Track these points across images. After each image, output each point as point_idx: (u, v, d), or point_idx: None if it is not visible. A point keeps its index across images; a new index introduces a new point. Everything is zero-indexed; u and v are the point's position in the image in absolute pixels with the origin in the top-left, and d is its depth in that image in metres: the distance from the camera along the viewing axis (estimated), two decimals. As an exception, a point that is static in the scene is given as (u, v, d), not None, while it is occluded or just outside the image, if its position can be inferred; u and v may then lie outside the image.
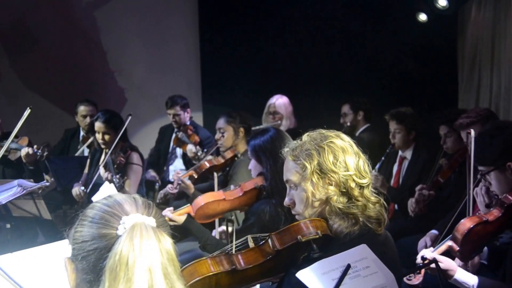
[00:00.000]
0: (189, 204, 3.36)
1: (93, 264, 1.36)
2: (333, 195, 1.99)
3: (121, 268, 1.28)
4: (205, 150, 5.14)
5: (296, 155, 2.05)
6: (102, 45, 7.08)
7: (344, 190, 1.99)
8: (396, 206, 4.77)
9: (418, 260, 2.34)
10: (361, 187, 2.01)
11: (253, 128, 5.46)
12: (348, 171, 1.99)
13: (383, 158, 4.85)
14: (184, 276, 1.81)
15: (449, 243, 2.39)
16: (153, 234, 1.34)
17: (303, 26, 6.59)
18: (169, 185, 4.25)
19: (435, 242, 3.72)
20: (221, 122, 4.51)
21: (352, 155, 2.02)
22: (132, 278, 1.28)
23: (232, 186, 3.41)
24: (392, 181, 4.85)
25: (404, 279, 2.31)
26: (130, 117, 4.41)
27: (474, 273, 2.50)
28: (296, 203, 2.08)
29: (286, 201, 2.13)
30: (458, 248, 2.35)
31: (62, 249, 1.82)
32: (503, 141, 2.52)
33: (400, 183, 4.78)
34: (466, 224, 2.37)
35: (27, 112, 4.25)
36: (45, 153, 4.60)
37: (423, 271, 2.39)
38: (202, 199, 3.26)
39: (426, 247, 3.70)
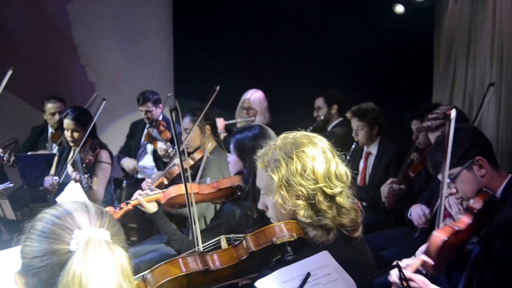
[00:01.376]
0: (161, 191, 3.27)
1: (45, 281, 1.30)
2: (301, 209, 1.93)
3: (74, 287, 1.23)
4: (175, 147, 5.04)
5: (265, 164, 2.00)
6: (73, 39, 6.96)
7: (312, 202, 1.93)
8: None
9: (393, 278, 2.22)
10: (331, 197, 1.95)
11: (225, 123, 5.42)
12: (317, 183, 1.92)
13: (348, 157, 4.80)
14: (155, 276, 1.84)
15: (423, 257, 2.32)
16: (107, 250, 1.28)
17: (278, 19, 6.54)
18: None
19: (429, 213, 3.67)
20: (186, 122, 4.39)
21: (323, 163, 1.95)
22: None
23: (208, 179, 3.35)
24: (358, 178, 4.83)
25: None
26: (104, 102, 4.30)
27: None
28: (268, 208, 2.06)
29: (260, 205, 2.11)
30: (433, 263, 2.30)
31: (13, 258, 1.73)
32: (466, 137, 2.50)
33: (367, 179, 4.76)
34: (439, 237, 2.32)
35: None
36: (12, 158, 4.55)
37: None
38: (175, 190, 3.19)
39: (424, 216, 3.67)
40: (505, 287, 2.28)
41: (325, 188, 1.93)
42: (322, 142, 2.01)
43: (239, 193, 3.13)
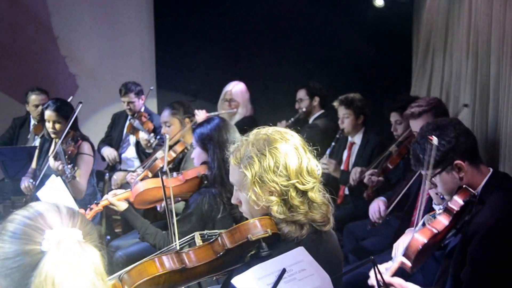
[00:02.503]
0: (129, 189, 3.33)
1: (18, 282, 1.31)
2: (274, 205, 1.96)
3: (47, 287, 1.25)
4: (158, 137, 5.06)
5: (238, 160, 2.02)
6: (53, 30, 6.88)
7: (285, 198, 1.97)
8: (346, 190, 4.83)
9: (372, 282, 2.27)
10: (303, 193, 1.98)
11: (207, 115, 5.43)
12: (289, 179, 1.95)
13: (333, 144, 4.92)
14: (132, 276, 1.83)
15: (402, 260, 2.34)
16: (79, 250, 1.30)
17: (259, 11, 6.53)
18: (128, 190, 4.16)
19: (387, 208, 3.77)
20: (165, 116, 4.42)
21: (296, 159, 1.97)
22: None
23: (174, 173, 3.39)
24: (342, 166, 4.92)
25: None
26: (80, 105, 4.31)
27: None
28: (242, 203, 2.08)
29: (233, 200, 2.13)
30: (410, 265, 2.32)
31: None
32: (447, 141, 2.45)
33: (350, 168, 4.83)
34: (419, 240, 2.32)
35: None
36: None
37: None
38: (142, 185, 3.24)
39: (379, 212, 3.75)
40: (478, 286, 2.32)
41: (297, 184, 1.96)
42: (294, 138, 2.03)
43: (205, 182, 3.19)
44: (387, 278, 2.24)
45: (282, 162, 1.95)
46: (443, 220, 2.40)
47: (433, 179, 2.51)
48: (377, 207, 3.77)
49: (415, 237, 2.34)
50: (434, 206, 2.71)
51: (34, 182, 4.37)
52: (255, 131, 2.08)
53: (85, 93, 6.49)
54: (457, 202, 2.42)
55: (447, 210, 2.43)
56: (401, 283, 2.25)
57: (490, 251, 2.31)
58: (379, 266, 2.25)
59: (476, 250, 2.33)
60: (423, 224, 2.53)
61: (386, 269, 2.33)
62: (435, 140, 2.40)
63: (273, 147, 1.97)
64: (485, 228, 2.32)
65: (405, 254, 2.34)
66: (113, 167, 5.59)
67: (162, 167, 3.58)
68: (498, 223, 2.33)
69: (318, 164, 2.05)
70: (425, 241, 2.31)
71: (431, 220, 2.46)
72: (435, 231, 2.36)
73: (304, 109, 5.67)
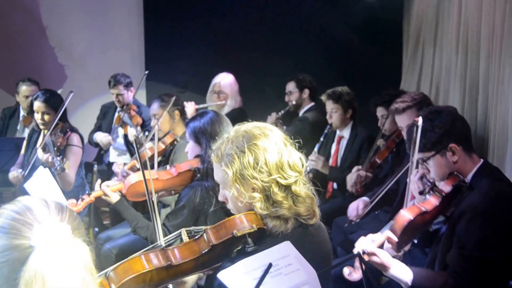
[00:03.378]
0: (122, 180, 3.32)
1: (7, 276, 1.29)
2: (257, 202, 1.96)
3: (36, 283, 1.24)
4: (146, 133, 5.04)
5: (219, 158, 2.01)
6: (42, 20, 6.82)
7: (268, 194, 1.96)
8: (335, 185, 4.84)
9: (357, 250, 2.29)
10: (286, 188, 1.97)
11: (196, 107, 5.43)
12: (270, 175, 1.94)
13: (322, 139, 4.90)
14: (118, 274, 1.82)
15: (388, 234, 2.37)
16: (68, 244, 1.29)
17: (249, 4, 6.52)
18: (115, 178, 4.15)
19: (366, 207, 3.84)
20: (155, 108, 4.42)
21: (276, 154, 1.95)
22: None
23: (167, 166, 3.38)
24: (330, 161, 4.91)
25: (345, 274, 2.24)
26: (72, 94, 4.26)
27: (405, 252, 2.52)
28: (228, 201, 2.08)
29: (220, 197, 2.12)
30: (396, 240, 2.34)
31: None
32: (443, 123, 2.50)
33: (339, 162, 4.84)
34: (405, 215, 2.36)
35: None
36: None
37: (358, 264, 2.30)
38: (134, 177, 3.22)
39: (357, 210, 3.82)
40: (462, 269, 2.35)
41: (279, 179, 1.95)
42: (273, 133, 2.02)
43: (198, 176, 3.18)
44: (372, 248, 2.28)
45: (262, 158, 1.94)
46: (432, 201, 2.45)
47: (425, 163, 2.55)
48: (355, 206, 3.86)
49: (402, 213, 2.39)
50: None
51: (23, 172, 4.34)
52: (235, 127, 2.07)
53: (74, 84, 6.42)
54: (447, 185, 2.48)
55: (436, 191, 2.48)
56: (385, 256, 2.29)
57: (476, 233, 2.35)
58: (366, 243, 2.32)
59: (462, 232, 2.37)
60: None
61: (373, 241, 2.35)
62: (420, 120, 2.44)
63: (252, 144, 1.96)
64: (472, 210, 2.37)
65: (392, 229, 2.38)
66: (101, 159, 5.56)
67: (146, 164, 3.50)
68: (485, 206, 2.38)
69: (302, 156, 2.04)
70: (412, 217, 2.35)
71: (420, 200, 2.51)
72: (423, 209, 2.40)
73: (294, 102, 5.65)
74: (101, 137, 5.55)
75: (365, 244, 2.33)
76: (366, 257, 2.26)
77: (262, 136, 1.98)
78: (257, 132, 2.00)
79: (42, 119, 4.37)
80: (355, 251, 2.29)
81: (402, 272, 2.33)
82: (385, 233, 2.38)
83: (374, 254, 2.27)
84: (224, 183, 2.03)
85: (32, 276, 1.24)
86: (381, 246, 2.38)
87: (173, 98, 4.27)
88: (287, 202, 1.96)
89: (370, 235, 2.39)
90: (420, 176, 2.67)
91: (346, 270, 2.25)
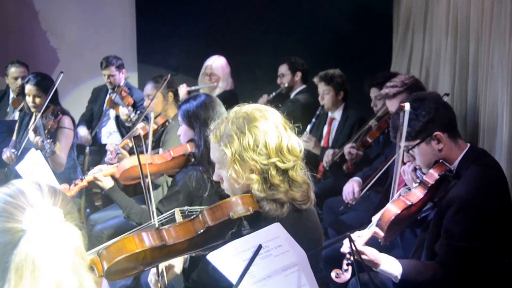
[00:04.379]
0: (115, 165, 3.30)
1: None
2: (254, 183, 1.96)
3: (27, 267, 1.24)
4: (137, 112, 5.05)
5: (218, 138, 2.00)
6: (34, 4, 6.78)
7: (266, 176, 1.96)
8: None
9: (345, 250, 2.27)
10: (284, 172, 1.97)
11: (188, 89, 5.44)
12: (269, 158, 1.94)
13: (314, 120, 4.95)
14: (111, 252, 1.78)
15: (374, 229, 2.37)
16: (60, 229, 1.30)
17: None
18: (108, 156, 4.15)
19: (361, 190, 3.81)
20: (148, 88, 4.42)
21: (276, 138, 1.95)
22: (39, 277, 1.24)
23: (160, 150, 3.37)
24: (322, 142, 4.95)
25: (333, 277, 2.24)
26: (62, 75, 4.25)
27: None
28: (223, 181, 2.08)
29: (215, 177, 2.12)
30: (383, 235, 2.35)
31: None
32: (427, 111, 2.46)
33: (330, 144, 4.88)
34: (391, 211, 2.35)
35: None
36: None
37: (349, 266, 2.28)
38: (128, 162, 3.20)
39: (353, 193, 3.80)
40: (451, 259, 2.36)
41: (278, 163, 1.95)
42: (274, 116, 2.01)
43: (193, 160, 3.16)
44: (360, 247, 2.26)
45: (262, 140, 1.94)
46: (417, 193, 2.44)
47: (411, 151, 2.54)
48: (351, 188, 3.80)
49: (388, 207, 2.38)
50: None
51: (16, 152, 4.34)
52: (235, 108, 2.05)
53: (66, 67, 6.31)
54: (433, 175, 2.46)
55: (422, 183, 2.46)
56: (373, 252, 2.30)
57: (464, 224, 2.35)
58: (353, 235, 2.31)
59: (450, 223, 2.37)
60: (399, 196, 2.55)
61: (359, 237, 2.35)
62: (407, 106, 2.43)
63: (253, 125, 1.95)
64: (460, 201, 2.36)
65: (378, 224, 2.37)
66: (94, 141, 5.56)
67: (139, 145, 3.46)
68: (472, 196, 2.37)
69: (300, 141, 2.04)
70: (398, 212, 2.35)
71: (406, 193, 2.48)
72: (409, 203, 2.40)
73: (286, 84, 5.66)
74: (82, 134, 5.48)
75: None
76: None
77: (262, 119, 1.97)
78: (258, 115, 1.99)
79: (34, 102, 4.37)
80: (343, 250, 2.28)
81: (391, 266, 2.33)
82: (372, 229, 2.38)
83: (362, 252, 2.25)
84: (222, 163, 2.02)
85: (22, 259, 1.24)
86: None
87: (167, 79, 4.28)
88: (284, 186, 1.97)
89: (357, 232, 2.39)
90: (414, 167, 2.66)
91: (333, 273, 2.24)
